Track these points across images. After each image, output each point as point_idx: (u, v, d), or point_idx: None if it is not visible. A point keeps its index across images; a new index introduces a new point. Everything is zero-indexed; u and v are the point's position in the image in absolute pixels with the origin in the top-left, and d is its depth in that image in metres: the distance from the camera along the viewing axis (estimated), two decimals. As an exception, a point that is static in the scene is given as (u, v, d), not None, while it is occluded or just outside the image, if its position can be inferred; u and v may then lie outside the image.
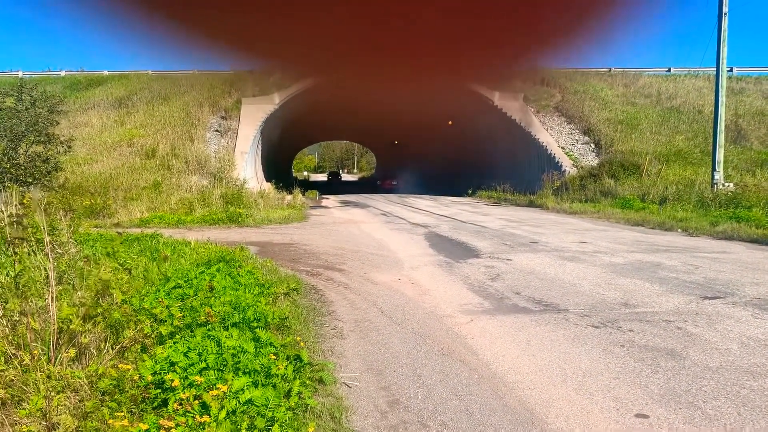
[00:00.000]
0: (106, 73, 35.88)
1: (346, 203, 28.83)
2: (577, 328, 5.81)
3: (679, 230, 14.87)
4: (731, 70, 32.76)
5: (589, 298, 7.14)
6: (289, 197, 25.17)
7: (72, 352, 4.21)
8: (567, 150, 27.92)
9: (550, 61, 1.30)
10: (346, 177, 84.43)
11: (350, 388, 4.35)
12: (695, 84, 32.73)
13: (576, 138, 28.81)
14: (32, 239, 5.21)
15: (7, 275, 4.86)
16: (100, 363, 4.17)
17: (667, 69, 35.42)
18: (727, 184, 19.02)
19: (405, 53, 1.13)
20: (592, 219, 18.32)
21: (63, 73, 36.38)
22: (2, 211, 5.27)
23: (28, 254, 4.81)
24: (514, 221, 17.54)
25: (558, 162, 26.91)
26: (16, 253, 4.34)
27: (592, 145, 27.96)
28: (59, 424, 3.12)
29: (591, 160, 26.76)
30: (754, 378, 4.42)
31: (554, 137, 28.89)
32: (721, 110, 19.17)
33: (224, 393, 3.43)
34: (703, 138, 25.98)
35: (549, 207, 22.52)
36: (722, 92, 19.17)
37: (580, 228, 15.59)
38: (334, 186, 54.60)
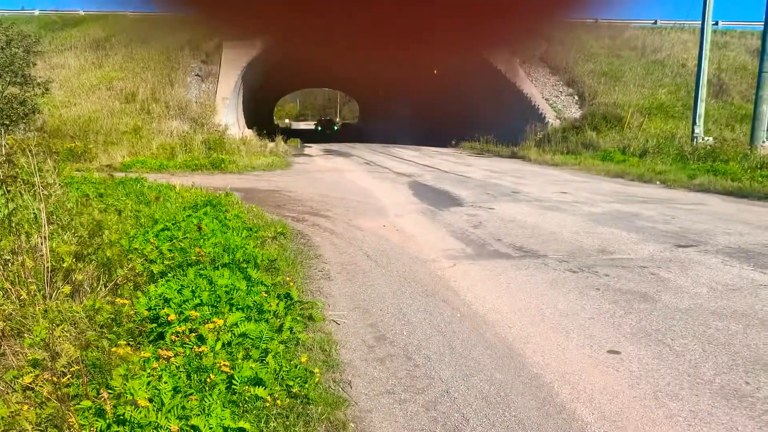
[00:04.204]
0: (82, 13, 34.70)
1: (329, 152, 28.73)
2: (555, 273, 6.04)
3: (658, 182, 15.17)
4: (716, 24, 32.62)
5: (568, 245, 7.37)
6: (271, 144, 24.98)
7: (66, 289, 4.32)
8: (551, 102, 27.92)
9: (544, 17, 1.33)
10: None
11: (339, 325, 4.54)
12: (680, 37, 32.63)
13: (560, 90, 28.78)
14: (21, 179, 5.24)
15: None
16: (95, 299, 4.29)
17: (653, 21, 35.15)
18: (706, 138, 19.25)
19: (396, 11, 1.14)
20: (574, 171, 18.54)
21: (37, 12, 35.17)
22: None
23: (20, 194, 4.85)
24: (496, 172, 17.71)
25: (541, 114, 26.94)
26: (9, 191, 4.38)
27: (576, 97, 27.98)
28: (61, 354, 3.25)
29: (574, 112, 26.83)
30: (720, 319, 4.68)
31: (539, 88, 28.82)
32: (704, 64, 19.24)
33: (220, 326, 3.58)
34: (685, 92, 26.09)
35: (531, 158, 22.67)
36: (706, 46, 19.21)
37: (561, 179, 15.81)
38: (316, 136, 52.11)
